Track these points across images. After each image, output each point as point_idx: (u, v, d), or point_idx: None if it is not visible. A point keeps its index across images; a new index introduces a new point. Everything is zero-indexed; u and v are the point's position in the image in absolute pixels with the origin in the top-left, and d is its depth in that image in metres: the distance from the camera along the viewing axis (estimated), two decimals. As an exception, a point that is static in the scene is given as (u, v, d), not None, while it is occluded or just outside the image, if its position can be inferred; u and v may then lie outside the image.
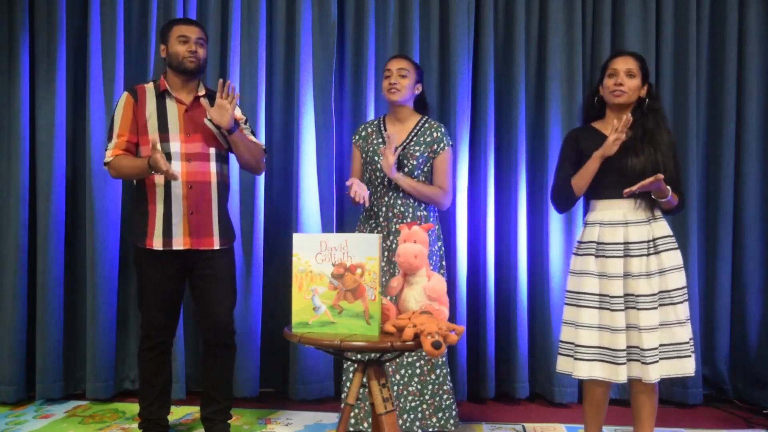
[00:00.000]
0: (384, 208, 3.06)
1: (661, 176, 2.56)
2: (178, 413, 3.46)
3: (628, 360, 2.61)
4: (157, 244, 2.88)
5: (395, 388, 2.99)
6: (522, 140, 3.71)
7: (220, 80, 2.82)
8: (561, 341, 2.77)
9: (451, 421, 3.02)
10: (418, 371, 2.98)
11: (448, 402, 3.02)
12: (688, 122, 3.66)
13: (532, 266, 3.76)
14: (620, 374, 2.59)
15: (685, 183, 3.61)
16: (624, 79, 2.69)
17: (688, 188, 3.65)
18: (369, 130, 3.18)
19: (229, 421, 3.10)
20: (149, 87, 2.96)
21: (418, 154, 3.05)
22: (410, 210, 3.04)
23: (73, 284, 3.75)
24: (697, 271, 3.67)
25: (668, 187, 2.62)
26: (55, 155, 3.63)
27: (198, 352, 3.66)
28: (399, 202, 3.04)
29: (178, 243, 2.88)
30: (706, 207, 3.79)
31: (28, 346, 3.66)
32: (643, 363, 2.57)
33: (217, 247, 2.94)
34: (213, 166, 2.93)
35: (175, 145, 2.87)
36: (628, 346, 2.61)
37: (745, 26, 3.72)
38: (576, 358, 2.67)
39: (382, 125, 3.16)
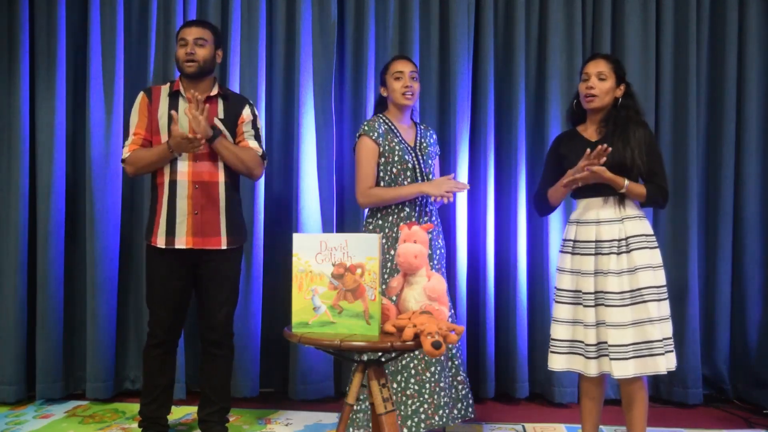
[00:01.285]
0: (417, 208, 3.01)
1: (597, 168, 2.56)
2: (178, 413, 3.46)
3: (600, 355, 2.66)
4: (161, 242, 2.91)
5: (428, 386, 2.94)
6: (522, 140, 3.71)
7: (191, 95, 2.81)
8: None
9: (470, 410, 3.07)
10: (413, 372, 2.96)
11: (463, 392, 3.06)
12: (688, 122, 3.66)
13: (532, 266, 3.76)
14: (590, 368, 2.66)
15: (686, 180, 3.66)
16: (595, 83, 2.73)
17: (689, 188, 3.66)
18: (383, 128, 3.03)
19: (227, 424, 3.10)
20: (164, 87, 3.01)
21: (433, 154, 3.15)
22: (434, 208, 3.10)
23: (73, 284, 3.75)
24: (697, 271, 3.67)
25: (619, 177, 2.62)
26: (55, 155, 3.64)
27: (198, 352, 3.65)
28: (428, 200, 3.05)
29: (181, 242, 2.89)
30: (706, 207, 3.79)
31: (28, 346, 3.66)
32: (610, 359, 2.61)
33: (224, 246, 2.95)
34: (221, 165, 2.93)
35: None
36: (599, 342, 2.66)
37: (745, 26, 3.72)
38: (552, 352, 2.77)
39: (391, 125, 3.07)
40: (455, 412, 3.00)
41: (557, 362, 2.75)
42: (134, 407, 3.49)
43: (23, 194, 3.64)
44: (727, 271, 3.73)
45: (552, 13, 3.71)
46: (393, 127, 3.07)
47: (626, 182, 2.65)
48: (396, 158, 2.99)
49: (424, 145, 3.10)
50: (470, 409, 3.07)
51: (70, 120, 3.75)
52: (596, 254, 2.69)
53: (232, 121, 2.99)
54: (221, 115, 2.97)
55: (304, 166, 3.69)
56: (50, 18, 3.66)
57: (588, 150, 2.62)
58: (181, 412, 3.50)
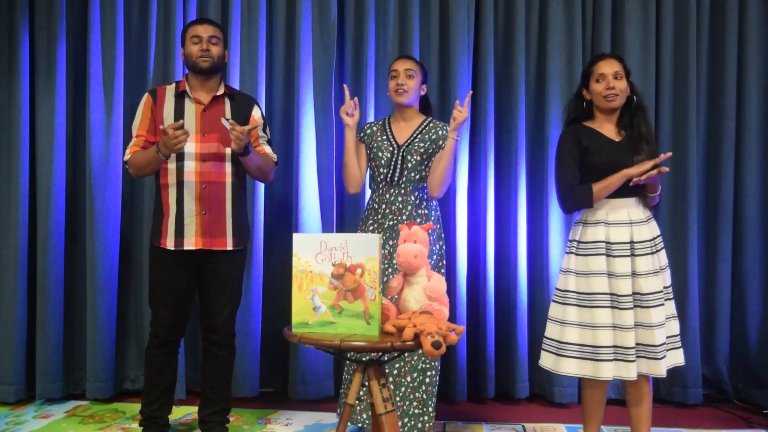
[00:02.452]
0: (383, 205, 3.06)
1: (665, 169, 2.63)
2: (178, 413, 3.46)
3: (638, 357, 2.65)
4: (170, 243, 2.90)
5: (403, 390, 2.96)
6: (522, 140, 3.71)
7: (255, 124, 2.89)
8: (546, 337, 2.78)
9: (419, 426, 2.94)
10: (395, 372, 2.96)
11: (416, 411, 2.95)
12: (688, 122, 3.66)
13: (532, 266, 3.76)
14: (632, 371, 2.61)
15: (686, 180, 3.66)
16: (614, 83, 2.74)
17: (689, 188, 3.66)
18: (374, 128, 3.17)
19: (227, 425, 3.10)
20: (170, 87, 3.00)
21: (422, 150, 3.05)
22: (408, 207, 3.04)
23: (73, 284, 3.75)
24: (697, 271, 3.67)
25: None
26: (55, 155, 3.64)
27: (198, 352, 3.66)
28: (399, 198, 3.05)
29: (190, 243, 2.89)
30: (706, 207, 3.79)
31: (28, 346, 3.66)
32: (654, 359, 2.63)
33: (230, 247, 2.95)
34: (228, 166, 2.93)
35: (190, 145, 2.88)
36: (637, 344, 2.65)
37: (745, 26, 3.72)
38: (597, 360, 2.64)
39: (387, 125, 3.16)
40: (412, 422, 2.93)
41: (606, 370, 2.62)
42: (134, 407, 3.49)
43: (23, 194, 3.64)
44: (727, 271, 3.73)
45: (552, 13, 3.71)
46: (387, 127, 3.14)
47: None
48: (372, 155, 3.12)
49: (416, 141, 3.06)
50: (422, 426, 2.94)
51: (70, 120, 3.75)
52: (632, 255, 2.68)
53: (240, 121, 2.97)
54: (228, 114, 2.97)
55: (304, 166, 3.69)
56: (50, 18, 3.66)
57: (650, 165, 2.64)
58: (181, 412, 3.50)
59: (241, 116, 3.00)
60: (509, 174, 3.75)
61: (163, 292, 2.96)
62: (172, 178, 2.90)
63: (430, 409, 2.95)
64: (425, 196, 3.09)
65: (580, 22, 3.71)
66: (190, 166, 2.88)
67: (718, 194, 3.73)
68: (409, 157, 3.04)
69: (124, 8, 3.71)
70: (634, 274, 2.67)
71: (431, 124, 3.12)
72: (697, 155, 3.72)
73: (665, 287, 2.72)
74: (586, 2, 3.75)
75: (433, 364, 2.98)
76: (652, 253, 2.69)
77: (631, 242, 2.68)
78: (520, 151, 3.70)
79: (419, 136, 3.08)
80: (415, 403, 2.94)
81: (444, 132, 3.08)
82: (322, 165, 3.72)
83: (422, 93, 3.14)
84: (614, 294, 2.66)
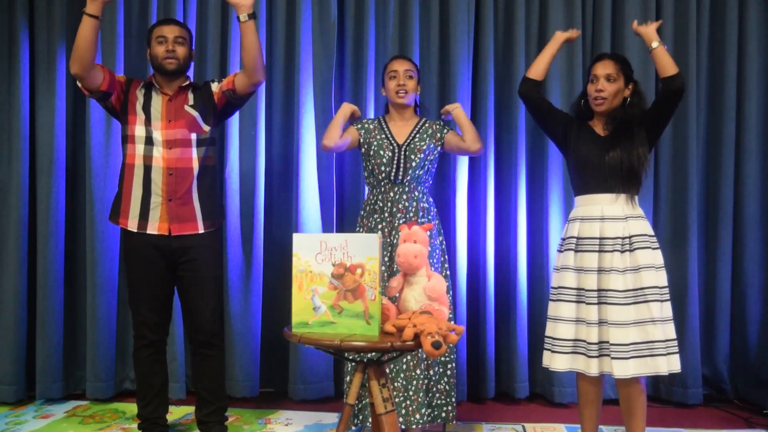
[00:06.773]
0: (389, 203, 3.07)
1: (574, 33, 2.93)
2: (178, 413, 3.46)
3: (601, 355, 2.64)
4: (132, 225, 2.91)
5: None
6: (522, 140, 3.71)
7: None
8: (545, 336, 2.82)
9: (443, 415, 3.06)
10: (404, 367, 2.98)
11: (439, 402, 3.05)
12: (688, 122, 3.66)
13: (532, 266, 3.76)
14: (592, 367, 2.64)
15: (686, 180, 3.65)
16: (603, 85, 2.73)
17: (689, 188, 3.66)
18: (371, 126, 3.19)
19: (226, 423, 3.10)
20: (141, 83, 3.01)
21: (424, 147, 3.08)
22: (414, 204, 3.06)
23: (73, 284, 3.76)
24: (697, 271, 3.67)
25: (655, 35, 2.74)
26: (55, 155, 3.64)
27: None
28: (404, 197, 3.06)
29: (154, 227, 2.89)
30: (706, 207, 3.79)
31: (28, 346, 3.66)
32: (611, 358, 2.60)
33: (201, 230, 2.94)
34: (194, 151, 2.93)
35: (157, 133, 2.90)
36: (601, 341, 2.64)
37: (745, 26, 3.72)
38: (553, 351, 2.73)
39: (383, 124, 3.17)
40: (416, 416, 2.97)
41: (560, 362, 2.72)
42: (134, 407, 3.47)
43: (23, 194, 3.64)
44: (727, 271, 3.73)
45: (552, 13, 3.72)
46: (384, 126, 3.16)
47: (656, 43, 2.72)
48: (372, 152, 3.12)
49: (416, 140, 3.10)
50: (446, 416, 3.06)
51: (70, 120, 3.75)
52: (600, 251, 2.68)
53: (205, 100, 2.98)
54: (191, 102, 2.97)
55: (304, 166, 3.69)
56: (50, 18, 3.66)
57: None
58: (181, 412, 3.50)
59: (206, 98, 2.99)
60: (509, 174, 3.76)
61: (141, 291, 2.96)
62: (138, 160, 2.90)
63: (453, 400, 3.04)
64: (426, 190, 3.14)
65: (580, 22, 3.71)
66: (158, 151, 2.89)
67: (718, 194, 3.73)
68: (412, 156, 3.07)
69: (124, 8, 3.71)
70: (600, 270, 2.67)
71: (427, 124, 3.18)
72: (697, 155, 3.72)
73: (641, 288, 2.62)
74: (586, 2, 3.75)
75: (451, 357, 3.06)
76: (623, 252, 2.65)
77: (600, 238, 2.68)
78: (520, 151, 3.70)
79: (418, 135, 3.11)
80: (438, 395, 3.03)
81: (438, 126, 3.17)
82: (322, 165, 3.72)
83: (417, 94, 3.17)
84: (581, 288, 2.69)
